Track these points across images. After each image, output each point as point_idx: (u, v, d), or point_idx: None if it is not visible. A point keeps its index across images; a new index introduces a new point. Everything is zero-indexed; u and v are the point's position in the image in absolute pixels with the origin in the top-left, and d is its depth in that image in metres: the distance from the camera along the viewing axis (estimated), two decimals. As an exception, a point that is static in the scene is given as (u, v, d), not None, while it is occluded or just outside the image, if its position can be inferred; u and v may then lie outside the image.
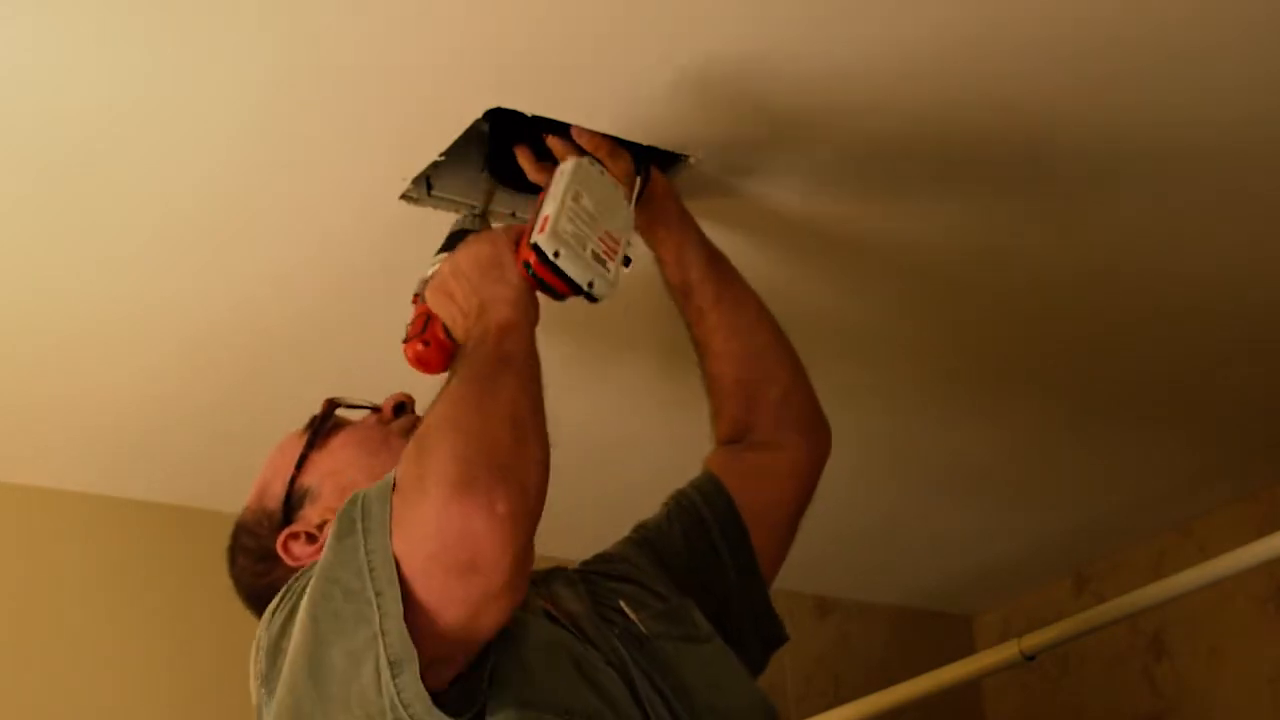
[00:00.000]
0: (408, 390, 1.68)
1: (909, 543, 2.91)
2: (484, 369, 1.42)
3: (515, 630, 1.42)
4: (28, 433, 2.25)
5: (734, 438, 1.80)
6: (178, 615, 2.41)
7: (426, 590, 1.29)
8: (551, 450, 1.38)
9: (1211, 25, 1.65)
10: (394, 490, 1.32)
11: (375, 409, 1.68)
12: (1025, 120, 1.78)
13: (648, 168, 1.74)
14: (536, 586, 1.55)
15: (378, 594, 1.29)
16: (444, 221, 1.85)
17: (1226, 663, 2.88)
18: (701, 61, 1.64)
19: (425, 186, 1.81)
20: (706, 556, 1.72)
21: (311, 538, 1.55)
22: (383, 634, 1.29)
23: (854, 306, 2.13)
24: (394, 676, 1.28)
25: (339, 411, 1.68)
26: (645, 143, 1.75)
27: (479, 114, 1.69)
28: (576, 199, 1.58)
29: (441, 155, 1.75)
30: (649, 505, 1.80)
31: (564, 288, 1.55)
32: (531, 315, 1.52)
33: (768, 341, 1.80)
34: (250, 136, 1.71)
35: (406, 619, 1.28)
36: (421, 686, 1.28)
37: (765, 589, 1.73)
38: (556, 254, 1.53)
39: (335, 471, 1.60)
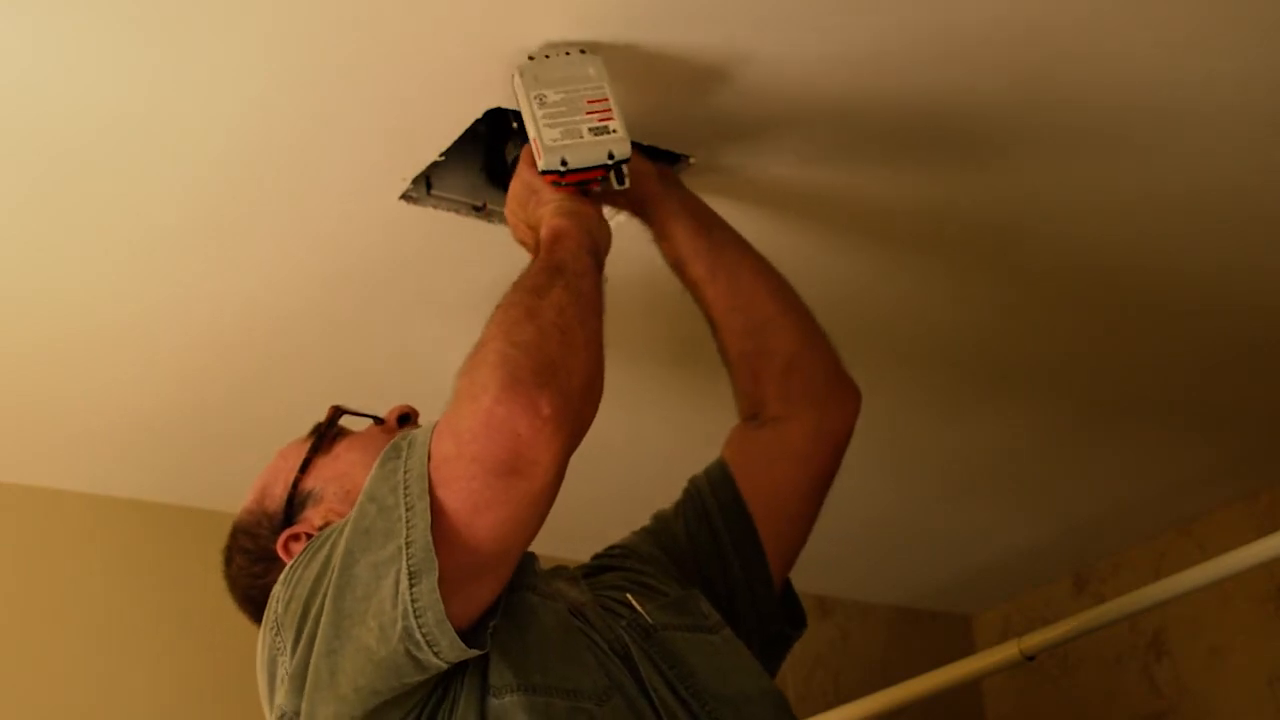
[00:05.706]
0: (407, 396, 1.69)
1: (909, 543, 2.91)
2: (534, 279, 1.47)
3: (528, 613, 1.45)
4: (28, 433, 2.25)
5: (750, 413, 1.77)
6: (178, 615, 2.41)
7: (466, 494, 1.32)
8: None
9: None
10: (440, 420, 1.36)
11: (379, 420, 1.69)
12: (1034, 102, 1.77)
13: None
14: (547, 580, 1.55)
15: (408, 508, 1.33)
16: (444, 221, 1.85)
17: (1226, 663, 2.87)
18: (702, 60, 1.64)
19: (425, 186, 1.81)
20: (708, 548, 1.70)
21: (313, 539, 1.56)
22: (407, 545, 1.32)
23: (854, 303, 2.13)
24: (411, 585, 1.31)
25: (343, 421, 1.70)
26: (645, 143, 1.75)
27: (479, 114, 1.69)
28: (543, 102, 1.59)
29: (441, 155, 1.75)
30: (648, 506, 1.79)
31: (595, 174, 1.60)
32: (581, 216, 1.56)
33: (770, 312, 1.75)
34: (250, 136, 1.71)
35: (436, 530, 1.32)
36: (438, 597, 1.31)
37: (770, 581, 1.70)
38: (564, 162, 1.57)
39: (340, 475, 1.62)
